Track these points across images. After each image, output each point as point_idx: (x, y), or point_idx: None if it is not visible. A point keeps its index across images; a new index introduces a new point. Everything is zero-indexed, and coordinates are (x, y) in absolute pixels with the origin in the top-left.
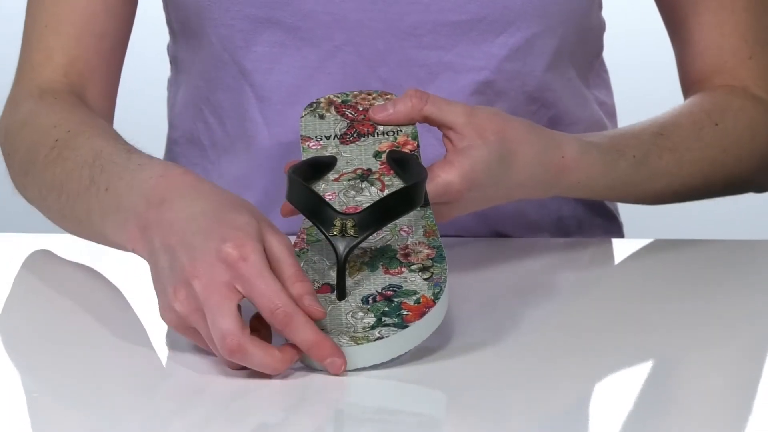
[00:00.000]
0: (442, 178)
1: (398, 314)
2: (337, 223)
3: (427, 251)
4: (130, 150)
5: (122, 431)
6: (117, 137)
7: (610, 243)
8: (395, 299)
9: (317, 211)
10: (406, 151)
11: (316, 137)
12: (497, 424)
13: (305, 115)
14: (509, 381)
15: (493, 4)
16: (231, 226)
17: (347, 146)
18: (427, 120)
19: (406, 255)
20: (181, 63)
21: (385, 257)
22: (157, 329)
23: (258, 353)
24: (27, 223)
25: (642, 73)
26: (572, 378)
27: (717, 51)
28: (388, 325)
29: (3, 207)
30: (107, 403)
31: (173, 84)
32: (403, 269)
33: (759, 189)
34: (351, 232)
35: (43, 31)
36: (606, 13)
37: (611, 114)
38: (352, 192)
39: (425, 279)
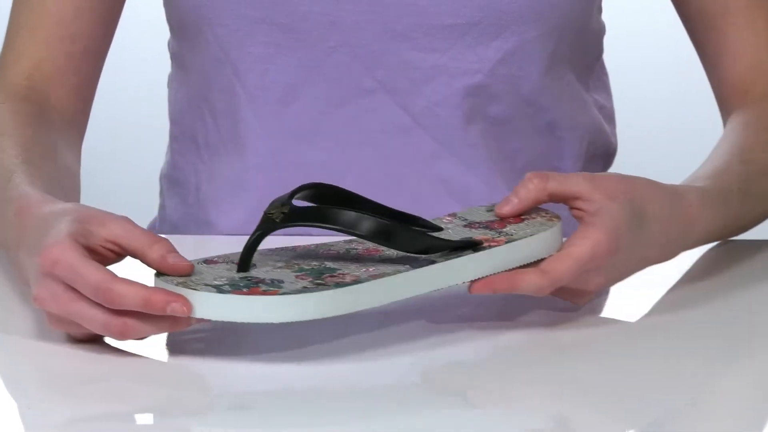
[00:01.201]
0: (588, 239)
1: (245, 285)
2: (275, 208)
3: (351, 278)
4: (13, 175)
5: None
6: (19, 153)
7: None
8: (260, 283)
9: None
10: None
11: (459, 216)
12: (500, 422)
13: (477, 207)
14: (507, 381)
15: (488, 8)
16: (47, 238)
17: (473, 229)
18: (553, 196)
19: (334, 276)
20: (180, 60)
21: (313, 270)
22: None
23: (130, 289)
24: None
25: (640, 76)
26: (574, 379)
27: (754, 50)
28: (224, 288)
29: None
30: (99, 398)
31: (174, 80)
32: (309, 277)
33: None
34: (277, 219)
35: (18, 31)
36: (605, 16)
37: (610, 118)
38: None
39: (306, 285)
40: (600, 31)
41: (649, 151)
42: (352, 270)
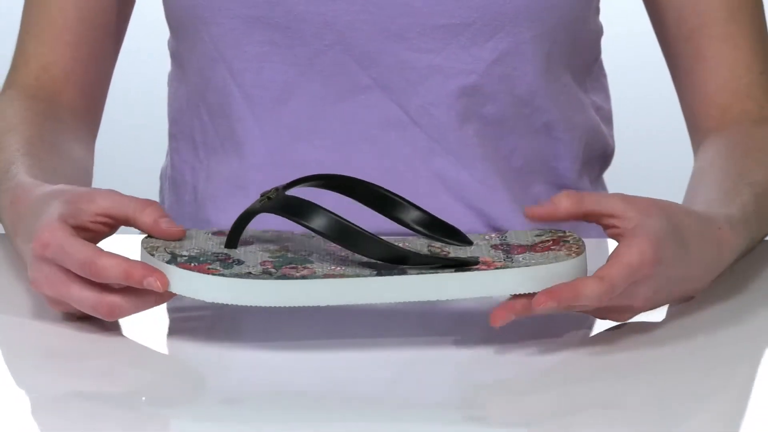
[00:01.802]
0: (634, 247)
1: (203, 261)
2: (265, 194)
3: (305, 272)
4: (12, 166)
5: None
6: (21, 146)
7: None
8: (218, 261)
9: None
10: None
11: (502, 235)
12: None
13: (532, 230)
14: (501, 381)
15: (483, 9)
16: (38, 223)
17: (495, 251)
18: (589, 214)
19: (294, 268)
20: (179, 59)
21: (283, 258)
22: (147, 319)
23: (112, 261)
24: None
25: (639, 77)
26: (568, 378)
27: (732, 66)
28: (179, 259)
29: None
30: (90, 376)
31: (174, 79)
32: (270, 264)
33: None
34: (257, 204)
35: (24, 36)
36: (604, 17)
37: (608, 119)
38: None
39: (252, 271)
40: (597, 32)
41: (647, 151)
42: (319, 266)
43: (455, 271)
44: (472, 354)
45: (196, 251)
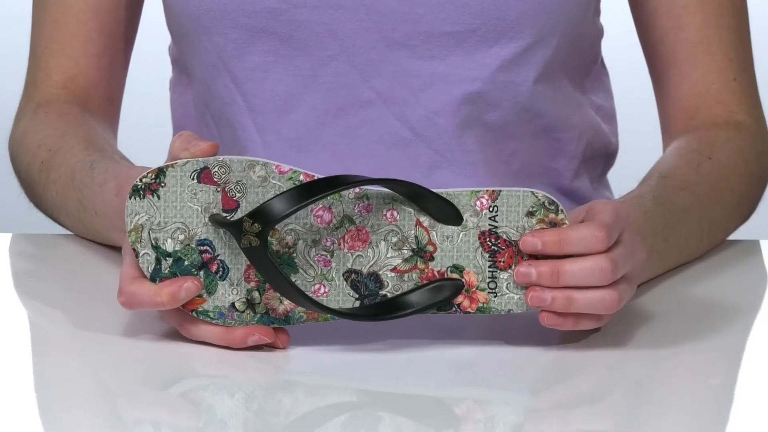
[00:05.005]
0: (596, 206)
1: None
2: (244, 239)
3: (284, 311)
4: (93, 163)
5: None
6: (86, 145)
7: None
8: (205, 267)
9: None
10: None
11: (492, 211)
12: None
13: (522, 196)
14: (499, 381)
15: (486, 15)
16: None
17: (482, 251)
18: None
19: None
20: (183, 66)
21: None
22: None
23: (141, 289)
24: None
25: (642, 76)
26: (565, 375)
27: (704, 70)
28: (163, 273)
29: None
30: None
31: (177, 85)
32: (255, 282)
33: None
34: (253, 240)
35: (43, 51)
36: (606, 16)
37: (610, 117)
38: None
39: (236, 301)
40: (597, 34)
41: (650, 150)
42: (301, 278)
43: (436, 311)
44: (472, 354)
45: (181, 238)
